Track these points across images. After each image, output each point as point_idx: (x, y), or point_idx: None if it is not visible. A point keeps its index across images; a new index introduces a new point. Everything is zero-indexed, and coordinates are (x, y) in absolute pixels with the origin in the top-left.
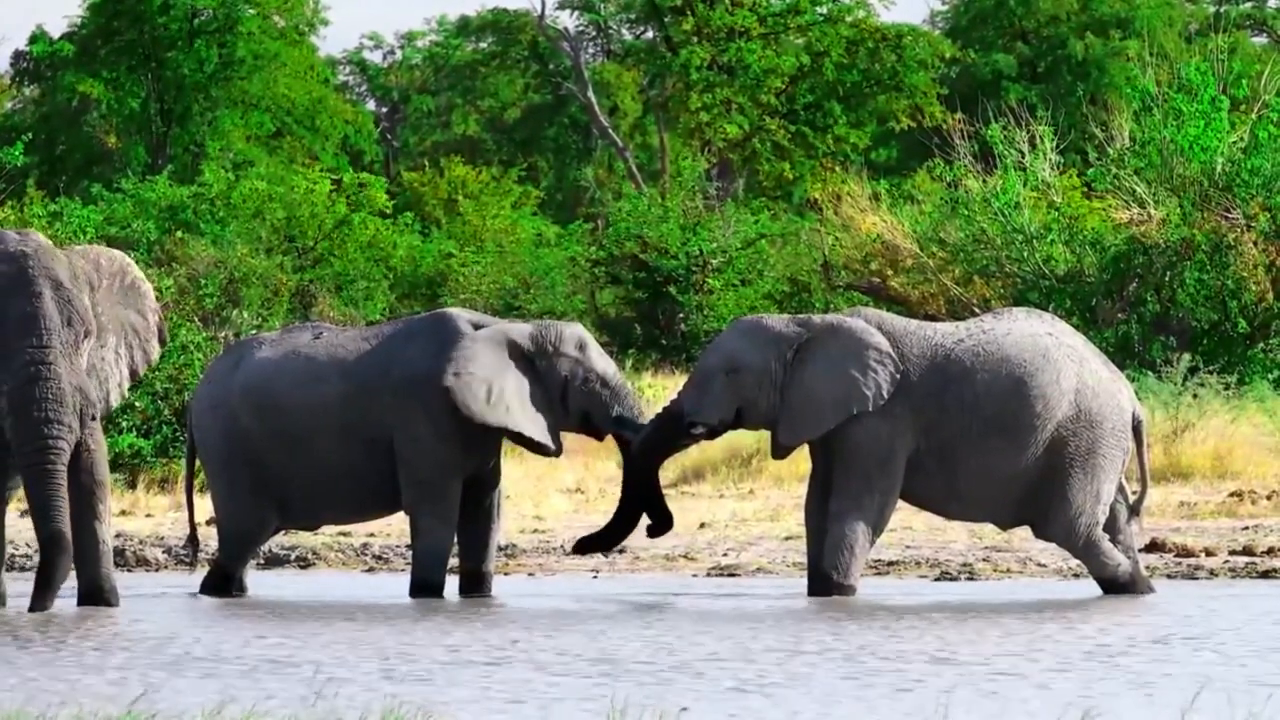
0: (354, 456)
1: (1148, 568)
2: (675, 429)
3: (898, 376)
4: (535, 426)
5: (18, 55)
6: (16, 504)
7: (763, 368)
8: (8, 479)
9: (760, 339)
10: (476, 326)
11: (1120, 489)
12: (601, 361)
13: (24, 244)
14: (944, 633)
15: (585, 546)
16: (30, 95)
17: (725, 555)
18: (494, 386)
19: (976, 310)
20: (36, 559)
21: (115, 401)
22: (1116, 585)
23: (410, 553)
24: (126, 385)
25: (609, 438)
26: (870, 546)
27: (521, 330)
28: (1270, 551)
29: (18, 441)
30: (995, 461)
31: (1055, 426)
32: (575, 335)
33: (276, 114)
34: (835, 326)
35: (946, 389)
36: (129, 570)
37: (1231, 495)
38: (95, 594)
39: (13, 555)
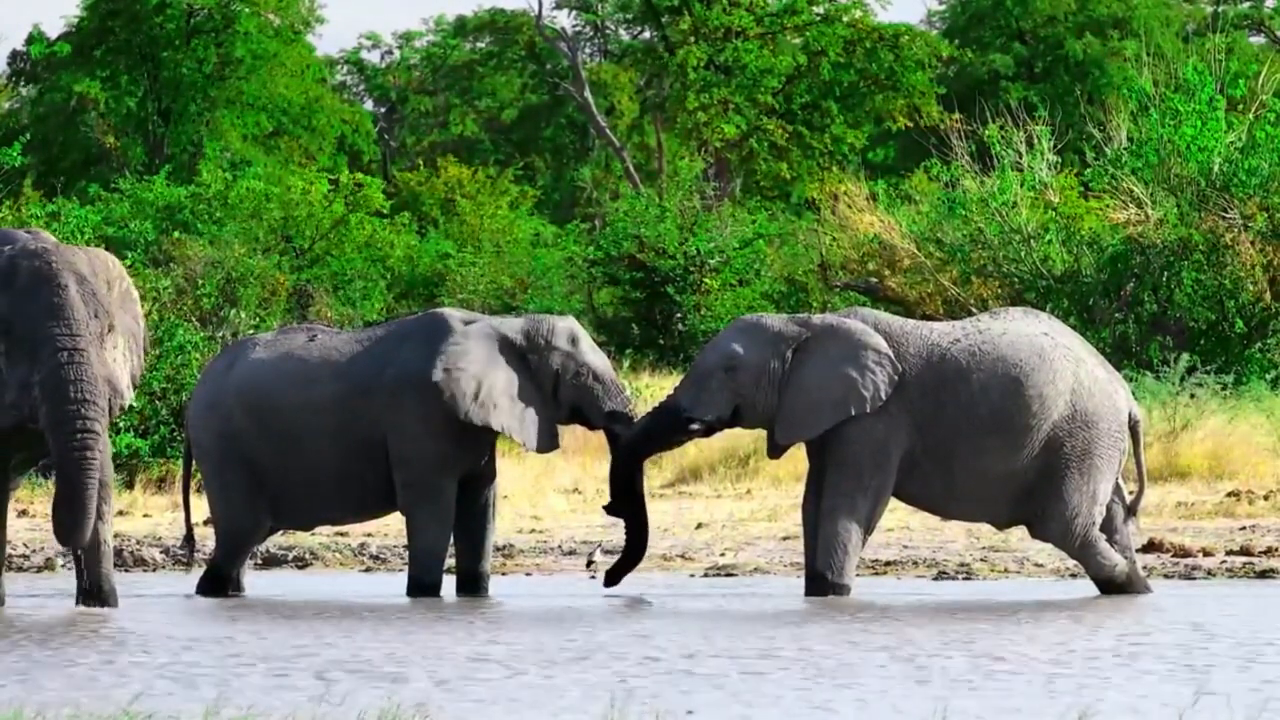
0: (349, 457)
1: (1145, 568)
2: (669, 423)
3: (896, 378)
4: (522, 425)
5: (15, 55)
6: (13, 504)
7: (761, 366)
8: (9, 478)
9: (759, 338)
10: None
11: (1117, 489)
12: (593, 356)
13: (42, 241)
14: (942, 633)
15: (616, 575)
16: (28, 95)
17: (723, 555)
18: (483, 384)
19: (974, 310)
20: (35, 559)
21: (127, 401)
22: (1113, 585)
23: (407, 552)
24: (131, 389)
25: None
26: (862, 545)
27: (513, 325)
28: (1268, 551)
29: (52, 426)
30: (991, 461)
31: (1051, 427)
32: (567, 329)
33: (273, 114)
34: (834, 327)
35: (942, 388)
36: (126, 570)
37: (1229, 495)
38: (94, 594)
39: (10, 555)
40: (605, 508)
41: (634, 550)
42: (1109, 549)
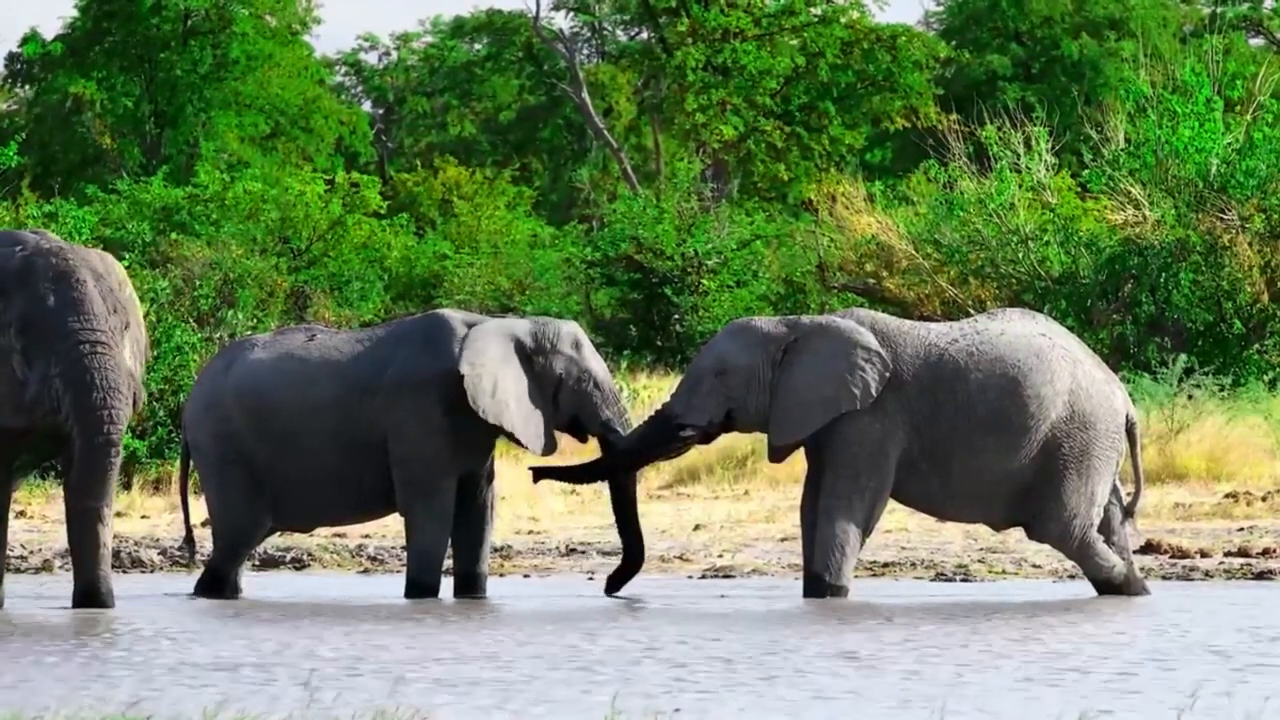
0: (348, 458)
1: (1143, 569)
2: (664, 430)
3: (886, 375)
4: (526, 426)
5: (12, 57)
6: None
7: (750, 369)
8: (12, 479)
9: (749, 340)
10: (470, 327)
11: (1115, 490)
12: (595, 362)
13: (53, 240)
14: (940, 634)
15: (616, 583)
16: (24, 96)
17: (720, 557)
18: (498, 382)
19: (972, 311)
20: (33, 560)
21: (140, 401)
22: (1111, 586)
23: (405, 554)
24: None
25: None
26: (860, 546)
27: (523, 326)
28: (1265, 553)
29: (78, 414)
30: (988, 462)
31: (1049, 428)
32: (572, 334)
33: (271, 115)
34: (823, 326)
35: (939, 388)
36: (124, 572)
37: (1227, 497)
38: (92, 595)
39: (8, 556)
40: (533, 469)
41: (633, 558)
42: (1107, 550)
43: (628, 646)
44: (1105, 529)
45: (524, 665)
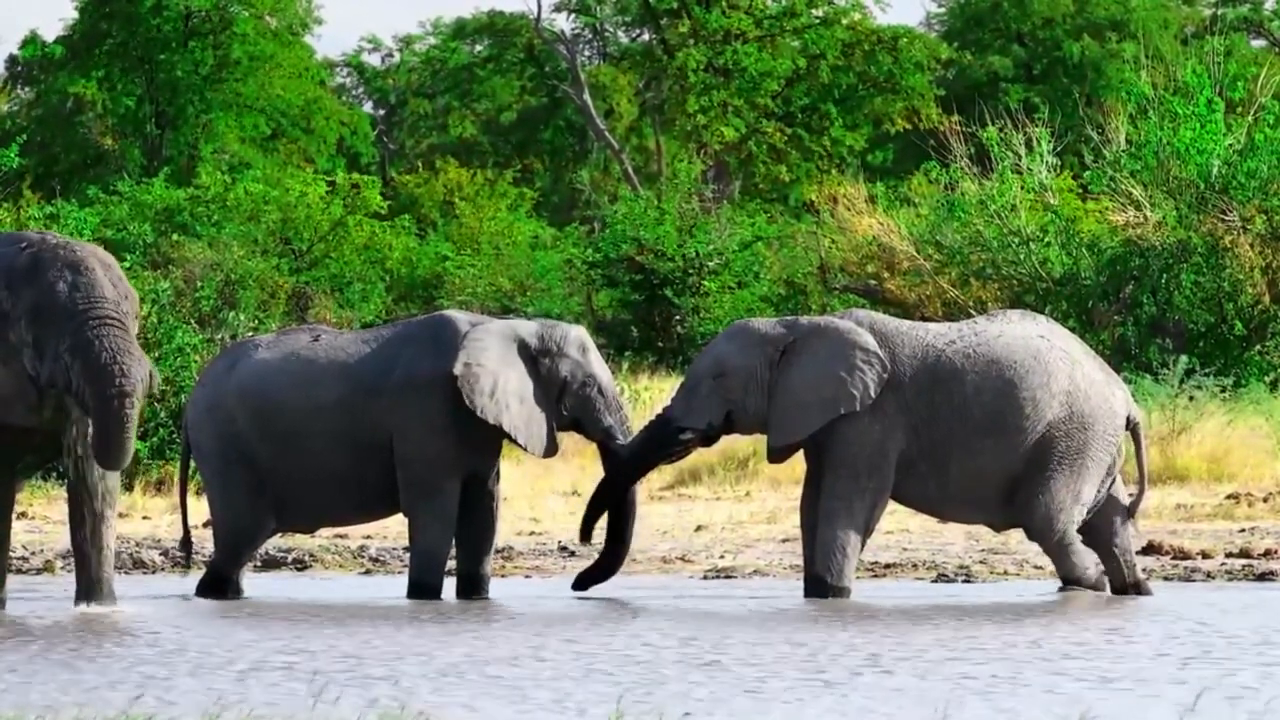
0: (352, 459)
1: (1144, 570)
2: (665, 435)
3: (885, 376)
4: (528, 428)
5: (13, 59)
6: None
7: (749, 370)
8: (15, 480)
9: (746, 342)
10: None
11: (1117, 492)
12: (600, 367)
13: (59, 236)
14: (942, 635)
15: (586, 582)
16: (24, 97)
17: (722, 558)
18: (498, 382)
19: (973, 312)
20: (35, 561)
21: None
22: (1082, 587)
23: (407, 555)
24: None
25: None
26: (861, 547)
27: (529, 328)
28: (1267, 554)
29: (88, 376)
30: (985, 463)
31: (1046, 428)
32: (578, 337)
33: (272, 116)
34: (822, 327)
35: (937, 389)
36: (126, 573)
37: (1228, 498)
38: (94, 596)
39: (9, 557)
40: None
41: (611, 561)
42: (1084, 551)
43: (632, 648)
44: (1108, 529)
45: (525, 667)
